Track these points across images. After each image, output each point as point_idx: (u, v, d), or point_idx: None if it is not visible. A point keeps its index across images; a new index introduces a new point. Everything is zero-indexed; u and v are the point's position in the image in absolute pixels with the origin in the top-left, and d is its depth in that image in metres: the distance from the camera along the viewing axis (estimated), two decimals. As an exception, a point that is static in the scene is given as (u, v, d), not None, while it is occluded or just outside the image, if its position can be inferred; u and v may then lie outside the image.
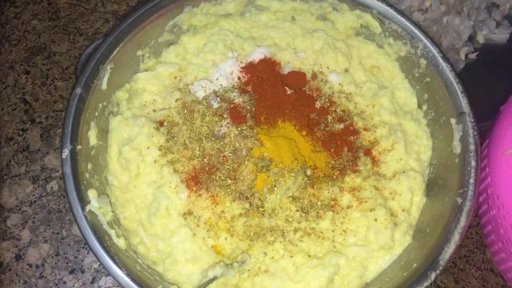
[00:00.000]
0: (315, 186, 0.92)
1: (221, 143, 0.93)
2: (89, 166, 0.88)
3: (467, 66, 1.25)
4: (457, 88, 0.94)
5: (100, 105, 0.93)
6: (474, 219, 1.07)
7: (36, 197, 1.05)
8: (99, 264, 0.97)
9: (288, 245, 0.87)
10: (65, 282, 0.97)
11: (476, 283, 1.01)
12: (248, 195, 0.91)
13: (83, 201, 0.82)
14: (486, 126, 1.01)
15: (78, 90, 0.88)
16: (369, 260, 0.89)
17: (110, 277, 0.91)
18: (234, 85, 1.02)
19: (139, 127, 0.94)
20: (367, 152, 0.98)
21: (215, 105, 0.98)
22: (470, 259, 1.04)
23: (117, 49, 0.94)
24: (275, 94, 1.00)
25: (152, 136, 0.93)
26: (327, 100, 1.02)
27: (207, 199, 0.90)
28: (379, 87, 1.05)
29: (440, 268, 0.81)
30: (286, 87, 1.02)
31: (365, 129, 1.00)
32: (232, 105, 0.97)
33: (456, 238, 0.83)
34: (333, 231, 0.90)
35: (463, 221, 0.84)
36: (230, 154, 0.92)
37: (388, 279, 0.87)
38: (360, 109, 1.03)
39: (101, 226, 0.82)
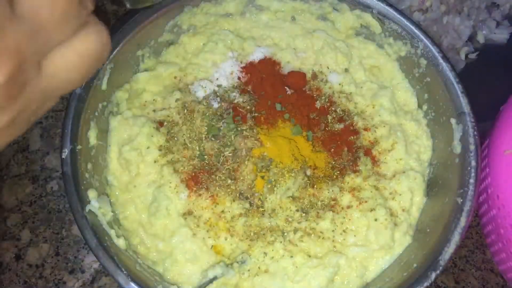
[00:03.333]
0: (315, 186, 0.92)
1: (221, 143, 0.93)
2: (89, 166, 0.88)
3: (467, 66, 1.25)
4: (457, 88, 0.94)
5: (100, 105, 0.93)
6: (474, 219, 1.07)
7: (36, 197, 1.04)
8: (99, 264, 0.97)
9: (288, 245, 0.87)
10: (65, 282, 0.97)
11: (476, 283, 1.01)
12: (248, 195, 0.91)
13: (83, 201, 0.82)
14: (486, 126, 1.01)
15: (78, 90, 0.88)
16: (369, 260, 0.89)
17: (110, 277, 0.91)
18: (234, 85, 1.02)
19: (139, 127, 0.94)
20: (367, 152, 0.98)
21: (215, 105, 0.98)
22: (470, 259, 1.04)
23: (117, 49, 0.94)
24: (275, 94, 1.00)
25: (152, 136, 0.93)
26: (327, 100, 1.02)
27: (207, 199, 0.90)
28: (379, 87, 1.05)
29: (440, 268, 0.81)
30: (286, 87, 1.02)
31: (365, 129, 1.00)
32: (232, 105, 0.97)
33: (456, 238, 0.83)
34: (333, 231, 0.90)
35: (463, 221, 0.84)
36: (230, 154, 0.92)
37: (388, 279, 0.87)
38: (360, 109, 1.03)
39: (101, 226, 0.82)
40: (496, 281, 1.02)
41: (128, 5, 0.83)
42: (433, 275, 0.80)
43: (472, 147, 0.89)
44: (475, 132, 0.90)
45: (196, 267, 0.86)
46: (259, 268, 0.86)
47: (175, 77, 1.03)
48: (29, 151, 1.09)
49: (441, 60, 0.97)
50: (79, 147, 0.86)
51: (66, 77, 0.41)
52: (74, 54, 0.40)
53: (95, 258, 0.78)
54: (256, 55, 1.06)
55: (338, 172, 0.95)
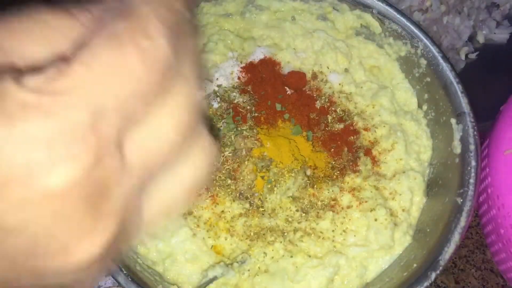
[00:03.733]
0: (315, 186, 0.92)
1: (221, 143, 0.93)
2: (89, 166, 0.87)
3: (467, 66, 1.25)
4: (457, 88, 0.94)
5: (100, 105, 0.93)
6: (474, 219, 1.07)
7: (36, 197, 1.04)
8: (99, 264, 0.97)
9: (288, 245, 0.87)
10: (65, 282, 0.97)
11: (476, 283, 1.01)
12: (248, 195, 0.91)
13: (83, 201, 0.82)
14: (486, 126, 1.01)
15: (78, 90, 0.88)
16: (369, 260, 0.89)
17: (110, 277, 0.91)
18: (234, 85, 1.02)
19: (139, 127, 0.93)
20: (367, 152, 0.98)
21: (215, 105, 0.98)
22: (470, 259, 1.04)
23: (117, 49, 0.94)
24: (275, 94, 1.00)
25: (152, 136, 0.93)
26: (327, 100, 1.02)
27: (207, 199, 0.90)
28: (379, 87, 1.04)
29: (440, 268, 0.81)
30: (286, 87, 1.02)
31: (365, 129, 1.00)
32: (232, 105, 0.97)
33: (456, 238, 0.83)
34: (333, 231, 0.90)
35: (463, 221, 0.84)
36: (230, 154, 0.92)
37: (388, 279, 0.87)
38: (360, 109, 1.03)
39: (101, 226, 0.82)
40: (496, 281, 1.02)
41: None
42: (433, 275, 0.80)
43: (472, 147, 0.89)
44: (475, 132, 0.90)
45: (196, 267, 0.86)
46: (259, 268, 0.86)
47: (175, 77, 1.03)
48: (29, 151, 1.09)
49: (441, 60, 0.97)
50: (79, 147, 0.85)
51: (162, 213, 0.31)
52: (178, 184, 0.30)
53: (95, 258, 0.78)
54: (256, 55, 1.06)
55: (338, 172, 0.94)
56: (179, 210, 0.31)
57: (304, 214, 0.90)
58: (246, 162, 0.92)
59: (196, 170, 0.31)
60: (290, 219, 0.90)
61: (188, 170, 0.31)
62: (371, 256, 0.89)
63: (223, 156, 0.92)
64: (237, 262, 0.86)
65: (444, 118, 0.96)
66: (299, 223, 0.89)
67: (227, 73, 1.03)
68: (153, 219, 0.30)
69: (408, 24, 1.00)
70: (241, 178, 0.91)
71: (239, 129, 0.94)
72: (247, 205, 0.90)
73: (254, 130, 0.95)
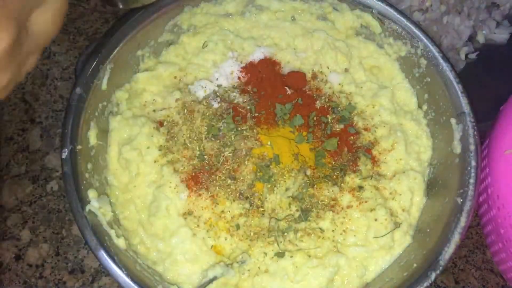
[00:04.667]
0: (315, 186, 0.92)
1: (221, 143, 0.93)
2: (89, 166, 0.87)
3: (467, 66, 1.25)
4: (457, 88, 0.94)
5: (100, 105, 0.93)
6: (474, 219, 1.07)
7: (36, 197, 1.04)
8: (99, 264, 0.97)
9: (288, 245, 0.87)
10: (65, 282, 0.97)
11: (476, 283, 1.01)
12: (248, 195, 0.91)
13: (83, 201, 0.82)
14: (486, 126, 1.01)
15: (78, 90, 0.88)
16: (369, 260, 0.89)
17: (110, 277, 0.91)
18: (234, 85, 1.02)
19: (139, 127, 0.94)
20: (367, 152, 0.98)
21: (215, 105, 0.98)
22: (470, 259, 1.04)
23: (117, 49, 0.94)
24: (275, 94, 1.00)
25: (152, 136, 0.93)
26: (327, 100, 1.02)
27: (207, 199, 0.90)
28: (379, 87, 1.05)
29: (440, 268, 0.81)
30: (286, 87, 1.02)
31: (365, 129, 1.00)
32: (232, 105, 0.97)
33: (456, 238, 0.83)
34: (333, 231, 0.90)
35: (463, 221, 0.84)
36: (230, 154, 0.92)
37: (388, 279, 0.87)
38: (360, 109, 1.03)
39: (101, 226, 0.82)
40: (496, 281, 1.02)
41: (120, 5, 0.87)
42: (433, 275, 0.80)
43: (472, 147, 0.89)
44: (475, 132, 0.90)
45: (196, 267, 0.86)
46: (259, 268, 0.86)
47: (175, 77, 1.03)
48: (29, 151, 1.09)
49: (441, 60, 0.97)
50: (79, 147, 0.86)
51: (45, 31, 0.56)
52: (48, 12, 0.55)
53: (95, 258, 0.78)
54: (256, 55, 1.06)
55: (338, 172, 0.94)
56: (56, 30, 0.58)
57: (304, 214, 0.90)
58: (246, 162, 0.92)
59: (57, 3, 0.56)
60: (290, 219, 0.90)
61: (52, 3, 0.56)
62: (371, 256, 0.89)
63: (223, 156, 0.92)
64: (237, 262, 0.86)
65: (444, 118, 0.96)
66: (299, 223, 0.89)
67: (227, 73, 1.04)
68: (39, 37, 0.55)
69: (408, 24, 1.00)
70: (241, 178, 0.91)
71: (239, 129, 0.94)
72: (247, 205, 0.90)
73: (254, 130, 0.95)
